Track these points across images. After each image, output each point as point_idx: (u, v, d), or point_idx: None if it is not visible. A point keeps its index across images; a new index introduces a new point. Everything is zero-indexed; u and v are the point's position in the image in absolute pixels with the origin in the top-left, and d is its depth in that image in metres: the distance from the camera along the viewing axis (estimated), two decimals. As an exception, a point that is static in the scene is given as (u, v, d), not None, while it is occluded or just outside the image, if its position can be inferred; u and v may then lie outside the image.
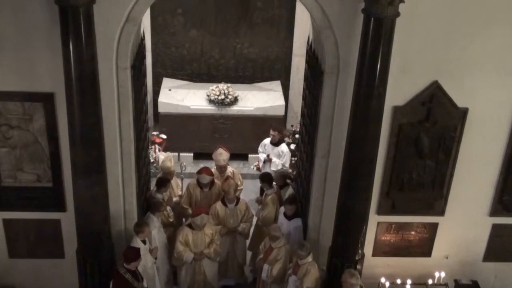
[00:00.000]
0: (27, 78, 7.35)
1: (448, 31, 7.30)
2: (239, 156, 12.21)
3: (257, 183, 10.62)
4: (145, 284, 7.72)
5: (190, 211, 9.13)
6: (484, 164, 8.21)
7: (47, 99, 7.49)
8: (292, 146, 11.50)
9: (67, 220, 8.14)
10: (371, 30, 6.67)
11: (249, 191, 11.09)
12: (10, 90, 7.41)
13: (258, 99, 12.44)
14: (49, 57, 7.14)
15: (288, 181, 9.85)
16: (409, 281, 8.43)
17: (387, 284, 8.48)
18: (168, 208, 9.16)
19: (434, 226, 8.68)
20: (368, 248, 8.60)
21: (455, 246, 8.81)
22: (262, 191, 10.08)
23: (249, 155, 12.40)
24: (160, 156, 10.85)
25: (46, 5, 6.83)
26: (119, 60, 7.40)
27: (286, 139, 11.76)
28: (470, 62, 7.51)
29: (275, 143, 10.76)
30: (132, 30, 7.28)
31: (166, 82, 12.88)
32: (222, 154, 9.71)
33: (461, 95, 7.69)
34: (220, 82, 12.59)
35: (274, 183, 9.42)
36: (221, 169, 9.74)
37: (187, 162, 11.57)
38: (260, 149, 10.99)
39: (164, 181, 9.16)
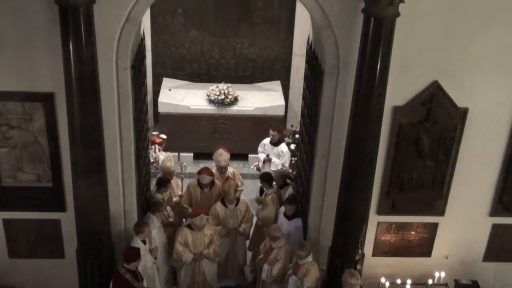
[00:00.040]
0: (27, 78, 7.35)
1: (448, 31, 7.30)
2: (239, 156, 12.20)
3: (257, 183, 10.63)
4: (145, 284, 7.72)
5: (190, 210, 9.13)
6: (484, 164, 8.21)
7: (47, 99, 7.50)
8: (292, 146, 11.51)
9: (67, 220, 8.15)
10: (371, 30, 6.67)
11: (249, 191, 11.09)
12: (10, 90, 7.41)
13: (258, 99, 12.44)
14: (49, 57, 7.14)
15: (288, 181, 9.85)
16: (409, 281, 8.43)
17: (387, 284, 8.48)
18: (168, 208, 9.16)
19: (434, 226, 8.68)
20: (368, 248, 8.60)
21: (455, 246, 8.81)
22: (262, 191, 10.08)
23: (249, 155, 12.40)
24: (160, 156, 10.85)
25: (46, 5, 6.83)
26: (119, 60, 7.40)
27: (286, 139, 11.76)
28: (470, 62, 7.51)
29: (275, 143, 10.76)
30: (132, 30, 7.28)
31: (166, 82, 12.88)
32: (222, 155, 9.71)
33: (461, 95, 7.70)
34: (220, 82, 12.59)
35: (274, 183, 9.42)
36: (222, 169, 9.74)
37: (187, 162, 11.57)
38: (259, 149, 11.00)
39: (164, 181, 9.16)
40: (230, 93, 12.19)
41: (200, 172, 9.32)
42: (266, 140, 10.88)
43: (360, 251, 8.16)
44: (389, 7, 6.49)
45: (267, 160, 10.68)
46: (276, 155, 10.69)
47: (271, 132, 10.73)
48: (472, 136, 7.97)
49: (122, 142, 7.89)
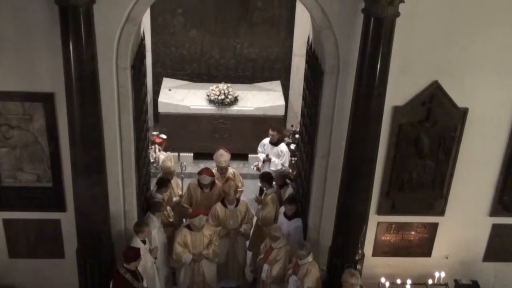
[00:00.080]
0: (27, 78, 7.35)
1: (448, 31, 7.30)
2: (239, 156, 12.20)
3: (257, 183, 10.63)
4: (145, 284, 7.72)
5: (191, 210, 9.12)
6: (484, 164, 8.21)
7: (47, 99, 7.49)
8: (292, 146, 11.51)
9: (67, 220, 8.14)
10: (371, 30, 6.67)
11: (249, 191, 11.09)
12: (10, 90, 7.41)
13: (258, 99, 12.44)
14: (49, 57, 7.14)
15: (288, 181, 9.85)
16: (409, 281, 8.43)
17: (387, 284, 8.48)
18: (168, 208, 9.16)
19: (434, 226, 8.68)
20: (368, 248, 8.60)
21: (455, 246, 8.81)
22: (261, 190, 10.08)
23: (249, 155, 12.40)
24: (161, 156, 10.85)
25: (46, 5, 6.83)
26: (119, 60, 7.40)
27: (286, 139, 11.77)
28: (470, 62, 7.51)
29: (274, 143, 10.77)
30: (132, 30, 7.28)
31: (166, 82, 12.88)
32: (223, 155, 9.71)
33: (461, 95, 7.70)
34: (220, 82, 12.59)
35: (273, 182, 9.41)
36: (222, 170, 9.73)
37: (187, 162, 11.57)
38: (259, 149, 11.00)
39: (164, 181, 9.16)
40: (230, 93, 12.19)
41: (200, 173, 9.32)
42: (266, 140, 10.89)
43: (360, 251, 8.16)
44: (389, 7, 6.49)
45: (267, 160, 10.69)
46: (276, 155, 10.70)
47: (270, 132, 10.74)
48: (472, 136, 7.97)
49: (122, 142, 7.89)
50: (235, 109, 12.22)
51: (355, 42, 7.10)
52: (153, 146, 11.57)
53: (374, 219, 8.46)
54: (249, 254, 9.57)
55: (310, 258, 7.89)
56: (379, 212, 8.49)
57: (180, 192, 9.85)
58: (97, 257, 7.87)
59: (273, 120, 11.92)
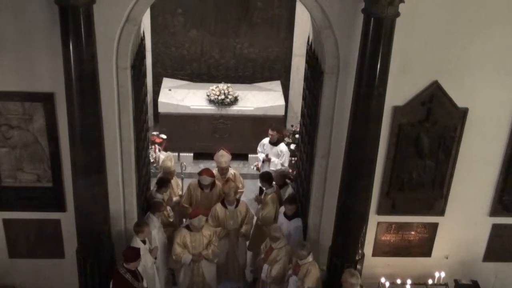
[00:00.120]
0: (27, 78, 7.35)
1: (448, 31, 7.30)
2: (239, 156, 12.20)
3: (257, 183, 10.64)
4: (145, 284, 7.72)
5: (191, 210, 9.13)
6: (484, 164, 8.21)
7: (47, 99, 7.49)
8: (292, 146, 11.51)
9: (67, 220, 8.14)
10: (371, 30, 6.67)
11: (249, 191, 11.08)
12: (10, 90, 7.41)
13: (258, 99, 12.44)
14: (49, 57, 7.14)
15: (288, 181, 9.84)
16: (409, 281, 8.43)
17: (387, 284, 8.48)
18: (168, 208, 9.16)
19: (434, 226, 8.68)
20: (368, 248, 8.60)
21: (455, 246, 8.81)
22: (261, 190, 10.07)
23: (249, 155, 12.40)
24: (161, 156, 10.85)
25: (46, 5, 6.83)
26: (119, 60, 7.40)
27: (286, 139, 11.77)
28: (470, 62, 7.51)
29: (274, 143, 10.77)
30: (132, 30, 7.28)
31: (166, 82, 12.88)
32: (223, 156, 9.70)
33: (461, 95, 7.70)
34: (220, 82, 12.59)
35: (273, 182, 9.41)
36: (223, 170, 9.72)
37: (187, 162, 11.56)
38: (259, 148, 11.00)
39: (164, 181, 9.16)
40: (230, 93, 12.19)
41: (200, 173, 9.32)
42: (265, 140, 10.89)
43: (360, 251, 8.16)
44: (389, 7, 6.49)
45: (266, 160, 10.69)
46: (275, 155, 10.70)
47: (270, 132, 10.74)
48: (472, 136, 7.97)
49: (122, 142, 7.89)
50: (235, 109, 12.22)
51: (355, 42, 7.10)
52: (153, 146, 11.58)
53: (374, 219, 8.46)
54: (249, 254, 9.57)
55: (310, 258, 7.89)
56: (379, 212, 8.49)
57: (180, 192, 9.84)
58: (97, 257, 7.87)
59: (273, 120, 11.92)
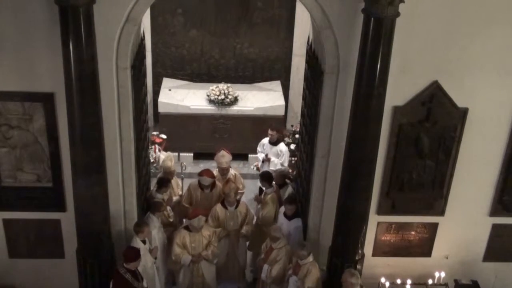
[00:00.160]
0: (27, 78, 7.35)
1: (448, 31, 7.30)
2: (239, 156, 12.19)
3: (257, 183, 10.63)
4: (145, 284, 7.72)
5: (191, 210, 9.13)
6: (484, 164, 8.21)
7: (47, 99, 7.49)
8: (292, 146, 11.51)
9: (67, 220, 8.14)
10: (371, 30, 6.67)
11: (249, 190, 11.07)
12: (10, 90, 7.41)
13: (258, 99, 12.44)
14: (49, 57, 7.14)
15: (288, 180, 9.84)
16: (409, 281, 8.43)
17: (387, 284, 8.48)
18: (168, 208, 9.16)
19: (434, 226, 8.68)
20: (368, 248, 8.60)
21: (455, 246, 8.81)
22: (261, 190, 10.07)
23: (249, 155, 12.40)
24: (161, 156, 10.85)
25: (46, 5, 6.83)
26: (119, 60, 7.40)
27: (286, 139, 11.76)
28: (470, 62, 7.51)
29: (274, 143, 10.77)
30: (132, 30, 7.28)
31: (166, 82, 12.88)
32: (224, 156, 9.70)
33: (461, 95, 7.70)
34: (220, 82, 12.59)
35: (273, 182, 9.41)
36: (223, 171, 9.72)
37: (187, 162, 11.56)
38: (258, 148, 11.00)
39: (165, 181, 9.16)
40: (230, 93, 12.19)
41: (201, 174, 9.31)
42: (265, 140, 10.89)
43: (360, 251, 8.16)
44: (389, 7, 6.49)
45: (266, 159, 10.69)
46: (275, 155, 10.69)
47: (269, 131, 10.74)
48: (472, 136, 7.97)
49: (122, 142, 7.89)
50: (235, 109, 12.22)
51: (355, 42, 7.10)
52: (153, 146, 11.58)
53: (374, 219, 8.46)
54: (249, 254, 9.57)
55: (310, 258, 7.89)
56: (379, 212, 8.49)
57: (180, 192, 9.84)
58: (97, 257, 7.87)
59: (273, 120, 11.92)
